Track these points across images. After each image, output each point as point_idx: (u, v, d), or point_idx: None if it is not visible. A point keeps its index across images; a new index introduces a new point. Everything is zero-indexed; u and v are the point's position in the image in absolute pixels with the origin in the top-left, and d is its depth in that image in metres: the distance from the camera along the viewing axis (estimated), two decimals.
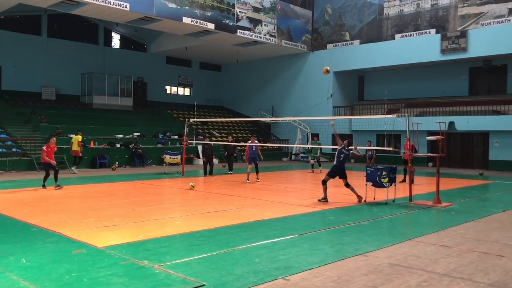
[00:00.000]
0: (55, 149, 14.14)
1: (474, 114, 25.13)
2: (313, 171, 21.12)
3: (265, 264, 5.90)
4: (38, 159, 19.62)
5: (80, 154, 19.81)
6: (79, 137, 19.69)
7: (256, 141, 17.16)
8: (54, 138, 14.23)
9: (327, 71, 14.70)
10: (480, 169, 23.26)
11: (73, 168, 19.61)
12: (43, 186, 13.41)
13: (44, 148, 13.62)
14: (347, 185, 11.53)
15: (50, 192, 12.82)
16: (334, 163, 11.71)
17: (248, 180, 16.26)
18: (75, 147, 19.57)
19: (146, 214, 9.45)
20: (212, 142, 19.32)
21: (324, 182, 11.70)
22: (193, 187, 13.82)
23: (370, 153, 19.79)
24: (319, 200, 11.63)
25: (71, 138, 20.31)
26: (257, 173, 16.79)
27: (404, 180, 16.09)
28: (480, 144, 25.53)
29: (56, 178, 13.56)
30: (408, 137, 12.15)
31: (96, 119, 26.90)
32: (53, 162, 13.60)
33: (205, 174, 18.95)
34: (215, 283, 5.12)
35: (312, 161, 21.82)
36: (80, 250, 6.46)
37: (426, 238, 7.60)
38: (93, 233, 7.58)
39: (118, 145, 23.57)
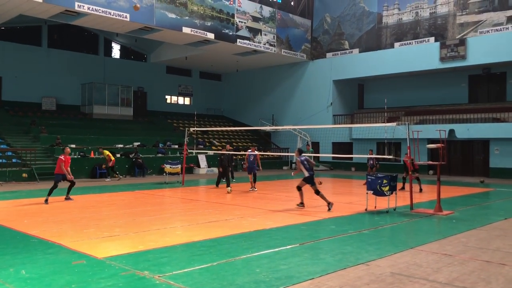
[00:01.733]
0: (70, 160, 13.48)
1: (474, 121, 25.14)
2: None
3: (266, 274, 5.87)
4: (39, 170, 19.72)
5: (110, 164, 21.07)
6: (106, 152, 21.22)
7: (256, 151, 17.10)
8: (69, 149, 13.69)
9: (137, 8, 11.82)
10: (481, 177, 23.22)
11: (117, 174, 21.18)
12: (46, 201, 12.46)
13: (61, 157, 12.98)
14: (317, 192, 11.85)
15: (51, 202, 12.78)
16: (308, 174, 11.82)
17: (254, 189, 16.36)
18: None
19: (147, 224, 9.42)
20: (228, 152, 18.51)
21: (299, 188, 12.10)
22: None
23: (371, 162, 19.64)
24: (297, 205, 12.14)
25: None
26: (254, 182, 16.69)
27: (403, 188, 16.10)
28: (480, 152, 25.51)
29: (69, 190, 13.28)
30: (409, 145, 12.13)
31: (97, 129, 26.92)
32: (70, 176, 12.98)
33: (217, 185, 17.83)
34: None
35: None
36: (80, 261, 6.43)
37: (428, 247, 7.56)
38: (93, 244, 7.55)
39: (118, 155, 23.55)
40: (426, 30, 27.38)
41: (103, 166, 21.60)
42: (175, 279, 5.59)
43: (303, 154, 12.24)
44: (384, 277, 5.81)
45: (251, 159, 16.54)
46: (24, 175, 19.28)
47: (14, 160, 20.24)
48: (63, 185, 13.51)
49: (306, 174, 11.87)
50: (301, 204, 12.11)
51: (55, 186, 12.92)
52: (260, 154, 17.41)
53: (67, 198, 13.24)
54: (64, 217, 10.35)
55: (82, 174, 21.26)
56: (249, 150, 17.17)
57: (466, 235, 8.64)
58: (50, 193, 12.76)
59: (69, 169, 13.14)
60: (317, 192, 11.77)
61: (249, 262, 6.49)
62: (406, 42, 28.08)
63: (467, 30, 25.68)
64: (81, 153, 22.13)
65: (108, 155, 21.09)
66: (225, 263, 6.39)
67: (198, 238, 8.04)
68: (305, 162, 11.96)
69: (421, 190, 16.20)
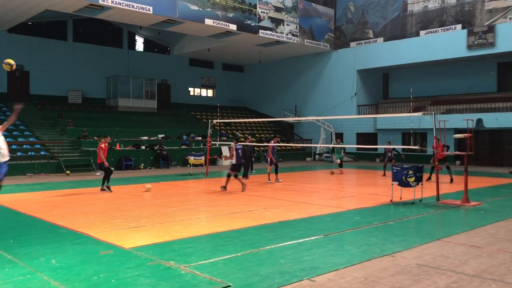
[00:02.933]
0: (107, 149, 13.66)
1: (503, 110, 24.49)
2: (341, 170, 20.71)
3: (290, 265, 5.87)
4: (66, 162, 20.15)
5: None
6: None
7: (272, 142, 17.02)
8: (108, 137, 13.96)
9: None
10: (510, 167, 22.65)
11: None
12: (108, 188, 13.21)
13: (102, 145, 13.27)
14: (235, 176, 13.58)
15: (78, 194, 13.06)
16: (234, 161, 13.68)
17: (278, 180, 16.32)
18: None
19: (172, 215, 9.53)
20: (249, 144, 18.70)
21: (229, 175, 13.64)
22: (148, 189, 13.49)
23: (390, 154, 19.07)
24: (222, 187, 13.68)
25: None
26: (276, 173, 16.66)
27: (451, 180, 15.97)
28: (510, 142, 24.87)
29: (104, 180, 13.39)
30: (435, 135, 11.91)
31: (122, 121, 27.31)
32: (106, 164, 13.29)
33: (245, 176, 17.97)
34: (241, 283, 5.12)
35: (338, 161, 21.49)
36: (107, 251, 6.56)
37: (455, 238, 7.44)
38: (120, 234, 7.68)
39: (143, 147, 23.87)
40: (452, 18, 26.71)
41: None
42: (201, 269, 5.64)
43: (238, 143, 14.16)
44: (410, 268, 5.75)
45: (275, 150, 16.56)
46: (68, 172, 19.24)
47: (42, 153, 20.73)
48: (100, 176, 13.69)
49: (234, 161, 13.67)
50: (224, 187, 13.68)
51: (108, 173, 13.34)
52: (283, 146, 17.48)
53: (103, 189, 13.30)
54: (91, 208, 10.56)
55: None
56: (272, 142, 17.11)
57: (494, 226, 8.46)
58: (104, 181, 13.29)
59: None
60: (229, 176, 13.63)
61: (273, 253, 6.50)
62: (432, 30, 27.47)
63: (496, 16, 24.94)
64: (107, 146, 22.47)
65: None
66: (250, 254, 6.42)
67: (222, 229, 8.09)
68: (239, 151, 13.65)
69: (451, 180, 15.94)
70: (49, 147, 21.44)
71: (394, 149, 19.23)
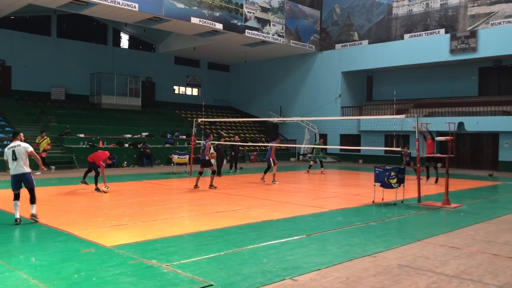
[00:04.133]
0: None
1: (484, 114, 24.91)
2: (308, 171, 20.86)
3: (273, 264, 5.90)
4: (48, 159, 19.81)
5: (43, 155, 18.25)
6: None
7: (274, 143, 17.15)
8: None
9: None
10: (490, 170, 23.06)
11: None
12: (100, 188, 12.77)
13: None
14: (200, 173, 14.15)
15: (59, 191, 12.90)
16: (202, 157, 14.29)
17: (275, 182, 16.05)
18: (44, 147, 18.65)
19: (155, 214, 9.48)
20: (226, 143, 19.16)
21: (200, 173, 14.16)
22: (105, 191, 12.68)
23: (408, 159, 18.31)
24: (195, 187, 13.97)
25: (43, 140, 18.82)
26: (264, 173, 16.78)
27: (436, 181, 16.38)
28: (490, 145, 25.32)
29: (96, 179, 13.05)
30: (417, 138, 12.06)
31: (105, 119, 27.04)
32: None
33: (219, 174, 18.47)
34: (223, 283, 5.13)
35: (311, 162, 21.64)
36: (89, 249, 6.50)
37: (435, 239, 7.55)
38: (101, 233, 7.62)
39: (126, 145, 23.68)
40: (436, 22, 27.08)
41: (42, 154, 17.96)
42: (183, 268, 5.63)
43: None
44: (391, 269, 5.82)
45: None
46: (53, 167, 17.60)
47: None
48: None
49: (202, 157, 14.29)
50: (196, 186, 14.06)
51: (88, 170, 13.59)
52: (263, 146, 17.52)
53: (97, 189, 12.87)
54: (72, 206, 10.44)
55: None
56: (272, 142, 17.22)
57: (474, 228, 8.61)
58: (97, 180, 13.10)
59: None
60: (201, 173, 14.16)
61: (256, 252, 6.52)
62: (416, 33, 27.81)
63: (478, 21, 25.37)
64: (90, 143, 22.27)
65: (49, 143, 18.87)
66: (232, 253, 6.43)
67: (205, 228, 8.08)
68: (204, 147, 14.30)
69: (436, 181, 16.29)
70: (30, 143, 21.04)
71: (410, 153, 18.52)
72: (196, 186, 14.12)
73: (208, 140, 14.77)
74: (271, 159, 16.17)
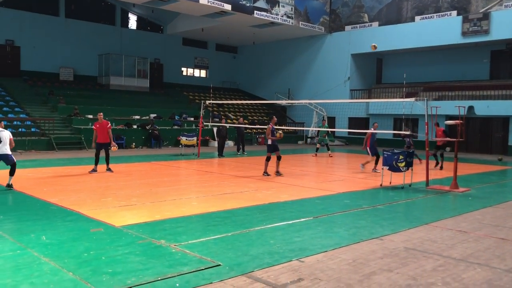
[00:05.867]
0: (106, 127, 13.01)
1: (495, 98, 24.63)
2: (316, 154, 20.79)
3: (280, 245, 5.94)
4: (57, 139, 20.04)
5: None
6: None
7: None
8: (101, 113, 13.39)
9: (375, 47, 15.26)
10: (499, 155, 22.90)
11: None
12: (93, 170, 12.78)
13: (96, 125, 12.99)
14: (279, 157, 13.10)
15: (69, 171, 13.01)
16: (269, 142, 13.12)
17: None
18: None
19: (163, 195, 9.55)
20: (227, 125, 19.24)
21: (268, 158, 13.11)
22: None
23: (408, 139, 17.57)
24: (264, 174, 12.95)
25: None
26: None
27: (441, 167, 16.05)
28: (499, 129, 25.09)
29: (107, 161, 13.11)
30: (426, 121, 11.98)
31: (113, 100, 27.10)
32: (112, 144, 13.09)
33: (219, 155, 19.07)
34: (231, 263, 5.18)
35: (318, 145, 21.54)
36: (98, 229, 6.58)
37: (443, 223, 7.55)
38: (111, 213, 7.70)
39: (135, 126, 23.77)
40: (448, 4, 26.61)
41: None
42: (191, 248, 5.69)
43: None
44: (398, 251, 5.84)
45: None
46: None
47: (33, 130, 20.56)
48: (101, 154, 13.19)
49: (269, 142, 13.13)
50: (266, 173, 13.03)
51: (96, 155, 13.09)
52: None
53: (108, 169, 12.99)
54: (82, 186, 10.55)
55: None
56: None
57: (481, 212, 8.59)
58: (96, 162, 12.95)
59: (108, 136, 13.03)
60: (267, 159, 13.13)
61: (263, 233, 6.56)
62: (427, 15, 27.37)
63: (491, 3, 24.89)
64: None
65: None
66: (240, 234, 6.48)
67: (213, 209, 8.14)
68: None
69: (441, 167, 16.06)
70: (40, 124, 21.25)
71: (411, 135, 17.45)
72: (265, 173, 12.94)
73: (271, 123, 13.40)
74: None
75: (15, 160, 9.93)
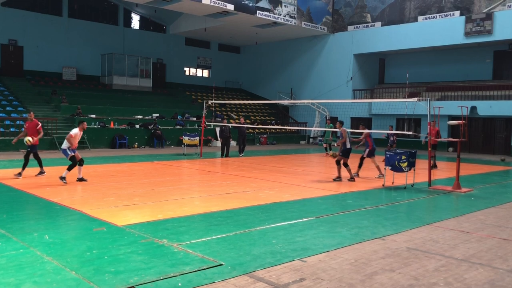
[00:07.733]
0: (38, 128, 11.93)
1: (498, 98, 24.57)
2: (327, 154, 20.81)
3: (282, 245, 5.94)
4: (60, 139, 20.04)
5: None
6: None
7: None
8: (32, 113, 12.13)
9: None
10: (502, 155, 22.84)
11: None
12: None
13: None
14: (346, 164, 12.34)
15: (71, 171, 13.00)
16: (349, 146, 12.41)
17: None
18: None
19: (165, 194, 9.57)
20: (230, 125, 19.26)
21: (338, 162, 12.44)
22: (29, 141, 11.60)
23: (392, 138, 18.53)
24: (334, 180, 12.33)
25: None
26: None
27: (435, 166, 15.98)
28: (502, 130, 25.03)
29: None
30: (429, 121, 11.96)
31: (116, 99, 27.14)
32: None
33: (222, 155, 19.07)
34: (233, 262, 5.19)
35: (324, 145, 21.58)
36: (100, 228, 6.59)
37: (445, 223, 7.54)
38: (113, 212, 7.71)
39: (137, 126, 23.81)
40: (451, 4, 26.56)
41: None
42: (193, 248, 5.70)
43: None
44: (400, 251, 5.84)
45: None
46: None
47: None
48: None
49: (348, 145, 12.38)
50: (338, 178, 12.37)
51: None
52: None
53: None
54: (85, 185, 10.57)
55: (102, 144, 21.65)
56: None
57: (484, 212, 8.57)
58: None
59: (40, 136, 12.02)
60: (346, 165, 12.31)
61: (265, 233, 6.57)
62: (430, 16, 27.32)
63: (494, 4, 24.83)
64: (101, 123, 22.42)
65: None
66: (242, 234, 6.48)
67: (215, 208, 8.15)
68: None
69: (435, 166, 16.09)
70: (42, 123, 21.24)
71: (396, 134, 18.19)
72: (338, 178, 12.37)
73: (341, 127, 12.65)
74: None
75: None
